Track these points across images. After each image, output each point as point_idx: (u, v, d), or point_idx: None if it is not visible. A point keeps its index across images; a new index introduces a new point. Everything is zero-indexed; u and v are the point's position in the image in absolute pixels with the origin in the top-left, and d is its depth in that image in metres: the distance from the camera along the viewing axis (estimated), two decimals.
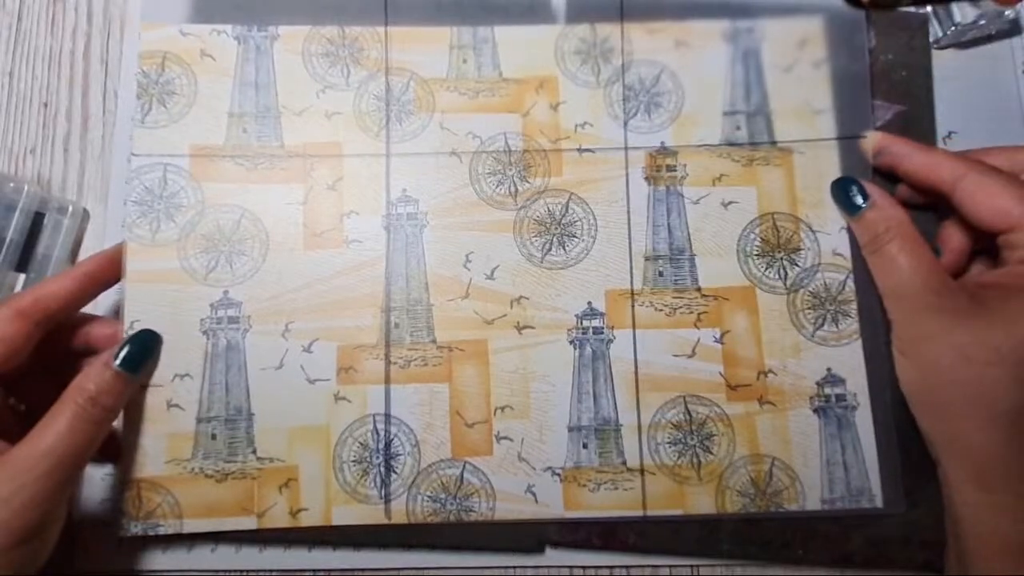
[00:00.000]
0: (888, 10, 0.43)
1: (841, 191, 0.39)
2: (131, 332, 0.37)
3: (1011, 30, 0.44)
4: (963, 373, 0.33)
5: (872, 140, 0.40)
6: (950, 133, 0.43)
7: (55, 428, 0.32)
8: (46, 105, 0.43)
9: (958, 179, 0.36)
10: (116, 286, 0.38)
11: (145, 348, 0.37)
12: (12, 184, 0.39)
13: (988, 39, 0.44)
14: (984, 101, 0.43)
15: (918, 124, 0.42)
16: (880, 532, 0.38)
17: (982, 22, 0.42)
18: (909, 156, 0.38)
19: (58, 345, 0.37)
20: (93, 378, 0.34)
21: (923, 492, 0.37)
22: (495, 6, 0.42)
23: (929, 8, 0.43)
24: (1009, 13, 0.42)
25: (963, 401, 0.33)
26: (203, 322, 0.38)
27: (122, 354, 0.35)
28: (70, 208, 0.41)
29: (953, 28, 0.42)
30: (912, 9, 0.43)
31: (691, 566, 0.39)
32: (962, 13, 0.42)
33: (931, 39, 0.43)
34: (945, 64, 0.43)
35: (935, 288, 0.35)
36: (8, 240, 0.39)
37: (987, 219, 0.35)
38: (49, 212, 0.41)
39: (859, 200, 0.38)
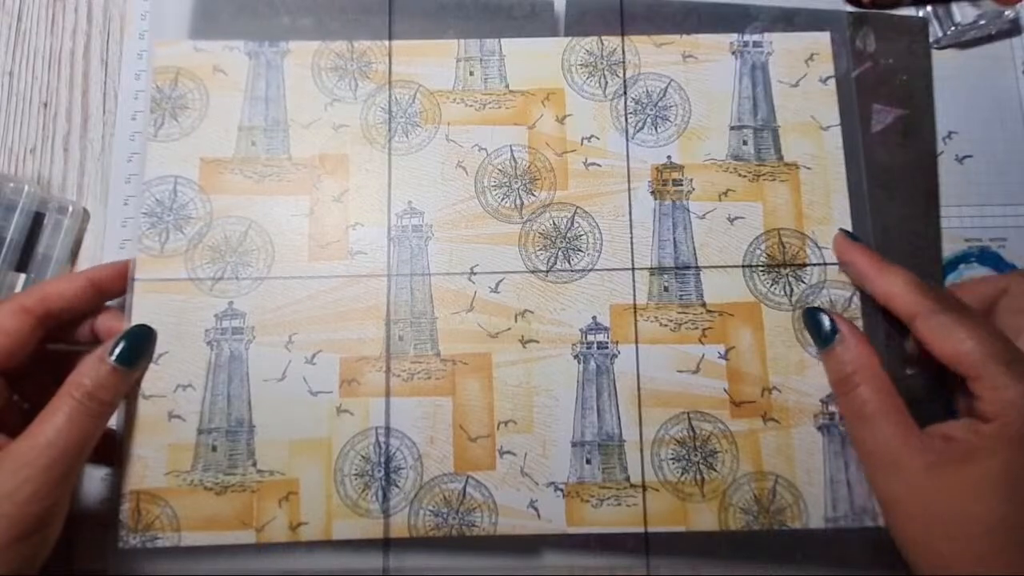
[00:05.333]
0: (888, 9, 0.43)
1: (809, 322, 0.38)
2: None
3: (1011, 30, 0.44)
4: (926, 548, 0.33)
5: (834, 244, 0.39)
6: (950, 133, 0.43)
7: (54, 422, 0.32)
8: (46, 105, 0.43)
9: (914, 316, 0.34)
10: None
11: (140, 343, 0.37)
12: (12, 184, 0.40)
13: (988, 39, 0.44)
14: (984, 101, 0.44)
15: (918, 128, 0.42)
16: (877, 538, 0.37)
17: (982, 22, 0.42)
18: (868, 277, 0.37)
19: (61, 336, 0.37)
20: (89, 373, 0.34)
21: None
22: (498, 9, 0.42)
23: (929, 8, 0.43)
24: (1009, 13, 0.42)
25: (934, 571, 0.32)
26: (207, 332, 0.38)
27: (117, 349, 0.35)
28: (70, 208, 0.41)
29: (953, 28, 0.43)
30: (912, 9, 0.43)
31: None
32: (962, 13, 0.42)
33: (931, 39, 0.43)
34: (945, 64, 0.44)
35: (893, 451, 0.33)
36: (8, 240, 0.39)
37: (947, 364, 0.34)
38: (49, 212, 0.41)
39: (826, 336, 0.37)
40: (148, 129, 0.40)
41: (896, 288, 0.35)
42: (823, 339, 0.37)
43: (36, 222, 0.40)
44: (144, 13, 0.44)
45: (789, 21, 0.42)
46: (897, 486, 0.33)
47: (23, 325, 0.34)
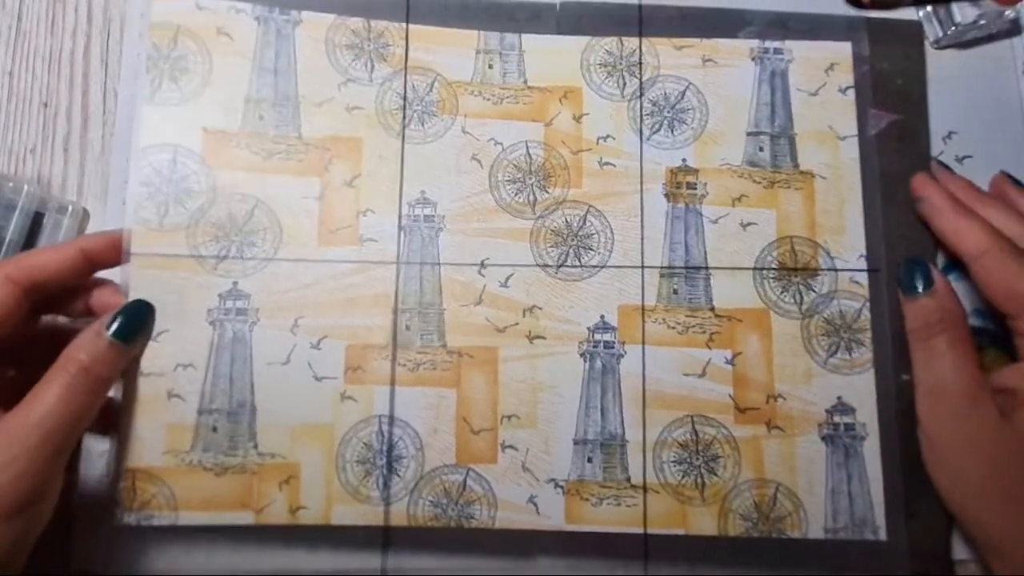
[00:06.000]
0: (888, 9, 0.43)
1: (905, 270, 0.38)
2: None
3: (1011, 30, 0.44)
4: (996, 487, 0.34)
5: (914, 182, 0.40)
6: (950, 133, 0.43)
7: (47, 398, 0.32)
8: (46, 105, 0.43)
9: (980, 253, 0.36)
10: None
11: (138, 318, 0.36)
12: (12, 184, 0.39)
13: (988, 39, 0.44)
14: (984, 101, 0.43)
15: (913, 134, 0.42)
16: (876, 543, 0.37)
17: (982, 22, 0.42)
18: (942, 214, 0.38)
19: (54, 308, 0.37)
20: (85, 347, 0.33)
21: (919, 503, 0.37)
22: (499, 10, 0.42)
23: (929, 8, 0.43)
24: (1009, 13, 0.42)
25: (1000, 515, 0.34)
26: (210, 312, 0.38)
27: (115, 324, 0.34)
28: (70, 208, 0.41)
29: (953, 28, 0.43)
30: (911, 10, 0.43)
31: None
32: (962, 13, 0.42)
33: (931, 39, 0.43)
34: (945, 64, 0.43)
35: (972, 395, 0.35)
36: (8, 240, 0.39)
37: (998, 300, 0.36)
38: (49, 212, 0.40)
39: (920, 285, 0.37)
40: (143, 91, 0.39)
41: (971, 225, 0.37)
42: (913, 289, 0.38)
43: (36, 222, 0.40)
44: (144, 13, 0.43)
45: (783, 26, 0.42)
46: (968, 428, 0.35)
47: (7, 296, 0.33)
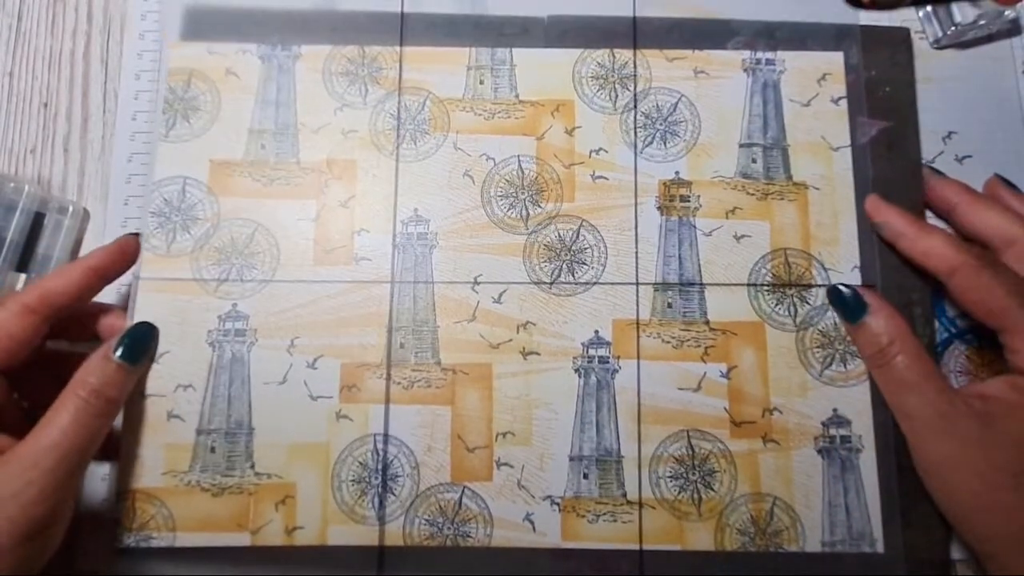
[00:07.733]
0: (888, 10, 0.42)
1: (837, 299, 0.38)
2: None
3: (1011, 30, 0.44)
4: (988, 499, 0.33)
5: (868, 207, 0.40)
6: (950, 133, 0.42)
7: (59, 423, 0.32)
8: (46, 105, 0.44)
9: (952, 272, 0.35)
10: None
11: (143, 340, 0.37)
12: (12, 184, 0.40)
13: (988, 39, 0.44)
14: (984, 101, 0.43)
15: (903, 140, 0.41)
16: (873, 555, 0.37)
17: (982, 22, 0.42)
18: (905, 237, 0.38)
19: (63, 334, 0.37)
20: (94, 371, 0.34)
21: (915, 512, 0.37)
22: (488, 26, 0.42)
23: (929, 8, 0.43)
24: (1009, 13, 0.42)
25: (994, 524, 0.33)
26: (210, 333, 0.38)
27: (121, 347, 0.35)
28: (70, 208, 0.42)
29: (953, 28, 0.42)
30: (907, 11, 0.43)
31: None
32: (962, 13, 0.42)
33: (931, 39, 0.43)
34: (945, 64, 0.43)
35: (944, 414, 0.34)
36: (8, 240, 0.39)
37: (978, 316, 0.35)
38: (49, 212, 0.41)
39: (857, 309, 0.37)
40: (159, 129, 0.41)
41: (936, 244, 0.36)
42: (853, 313, 0.37)
43: (36, 222, 0.40)
44: (144, 13, 0.44)
45: (771, 35, 0.42)
46: (950, 445, 0.34)
47: (27, 326, 0.34)
